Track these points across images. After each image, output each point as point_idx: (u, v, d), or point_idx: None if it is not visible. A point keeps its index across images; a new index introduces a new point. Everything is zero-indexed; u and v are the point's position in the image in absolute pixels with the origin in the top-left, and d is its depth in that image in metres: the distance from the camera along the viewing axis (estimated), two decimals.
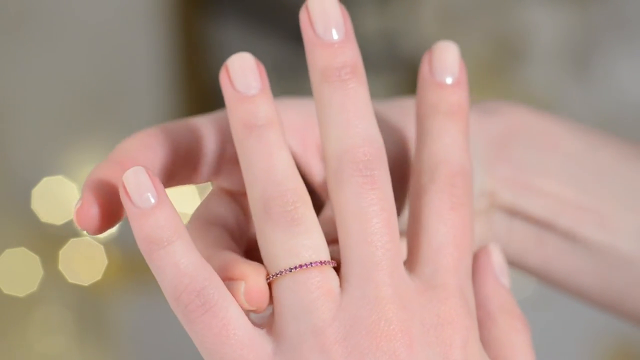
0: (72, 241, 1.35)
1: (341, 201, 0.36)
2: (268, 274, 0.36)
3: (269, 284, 0.36)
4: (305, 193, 0.36)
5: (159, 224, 0.35)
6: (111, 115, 1.40)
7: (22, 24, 1.39)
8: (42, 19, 1.39)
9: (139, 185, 0.36)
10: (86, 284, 1.37)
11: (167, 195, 0.36)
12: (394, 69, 1.41)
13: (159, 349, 1.41)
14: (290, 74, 1.37)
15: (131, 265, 1.38)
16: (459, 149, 0.38)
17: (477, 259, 0.40)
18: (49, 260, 1.35)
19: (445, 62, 0.40)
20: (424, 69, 0.40)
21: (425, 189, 0.37)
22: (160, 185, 0.36)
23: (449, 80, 0.40)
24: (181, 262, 0.35)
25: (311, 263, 0.35)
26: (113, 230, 1.43)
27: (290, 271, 0.35)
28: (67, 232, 1.34)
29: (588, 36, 1.40)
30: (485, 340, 0.38)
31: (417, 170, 0.38)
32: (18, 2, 1.41)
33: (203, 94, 1.41)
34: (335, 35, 0.38)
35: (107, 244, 1.36)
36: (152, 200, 0.35)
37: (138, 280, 1.39)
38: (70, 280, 1.36)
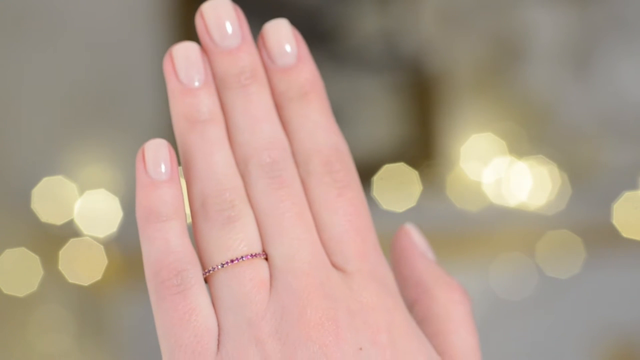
0: (72, 241, 1.35)
1: (254, 201, 0.36)
2: (204, 270, 0.36)
3: (206, 280, 0.36)
4: (242, 189, 0.36)
5: (164, 198, 0.36)
6: (111, 115, 1.40)
7: (23, 24, 1.39)
8: (42, 19, 1.40)
9: (157, 156, 0.36)
10: (86, 284, 1.37)
11: (179, 176, 0.36)
12: (394, 69, 1.41)
13: (158, 348, 1.41)
14: None
15: (131, 265, 1.38)
16: (323, 131, 0.38)
17: (399, 241, 0.40)
18: (49, 260, 1.35)
19: (281, 43, 0.38)
20: (263, 57, 0.39)
21: (307, 183, 0.37)
22: (176, 165, 0.36)
23: (290, 61, 0.38)
24: (172, 240, 0.36)
25: (242, 257, 0.35)
26: (113, 230, 1.42)
27: (223, 266, 0.35)
28: (67, 232, 1.34)
29: (588, 36, 1.40)
30: (427, 316, 0.38)
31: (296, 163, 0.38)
32: (18, 2, 1.41)
33: None
34: (233, 42, 0.38)
35: (107, 244, 1.36)
36: (165, 175, 0.36)
37: (138, 280, 1.39)
38: (70, 280, 1.36)
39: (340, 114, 1.38)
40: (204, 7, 0.38)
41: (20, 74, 1.40)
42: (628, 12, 1.40)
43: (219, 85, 0.38)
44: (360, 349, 0.34)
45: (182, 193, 0.36)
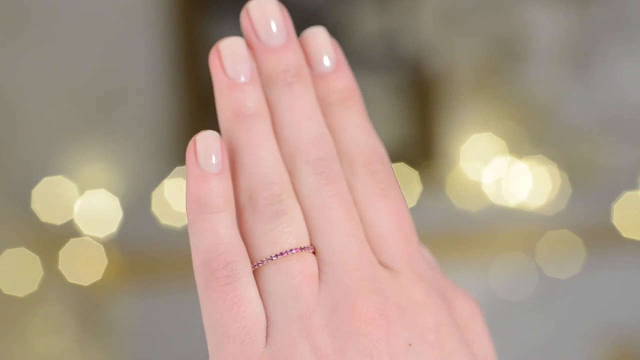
0: (72, 241, 1.35)
1: (302, 196, 0.37)
2: (253, 263, 0.36)
3: (254, 273, 0.36)
4: (289, 184, 0.37)
5: (216, 190, 0.36)
6: (111, 115, 1.40)
7: (23, 24, 1.39)
8: (43, 19, 1.40)
9: (209, 148, 0.36)
10: (86, 284, 1.37)
11: (229, 170, 0.37)
12: (394, 69, 1.41)
13: (158, 348, 1.41)
14: None
15: (131, 265, 1.38)
16: (365, 134, 0.39)
17: None
18: (49, 260, 1.35)
19: (320, 50, 0.39)
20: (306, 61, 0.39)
21: (351, 184, 0.37)
22: (227, 158, 0.37)
23: (329, 67, 0.39)
24: (223, 231, 0.36)
25: (291, 250, 0.36)
26: (113, 230, 1.42)
27: (272, 259, 0.36)
28: (67, 232, 1.34)
29: (588, 36, 1.40)
30: None
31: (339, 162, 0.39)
32: (19, 2, 1.41)
33: (203, 94, 1.41)
34: (279, 40, 0.38)
35: (107, 244, 1.36)
36: (216, 167, 0.36)
37: (138, 280, 1.39)
38: (70, 280, 1.36)
39: None
40: (250, 5, 0.39)
41: (21, 74, 1.40)
42: (628, 12, 1.40)
43: (264, 82, 0.38)
44: (410, 345, 0.35)
45: (232, 186, 0.37)
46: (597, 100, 1.40)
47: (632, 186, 1.38)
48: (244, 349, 0.35)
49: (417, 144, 1.41)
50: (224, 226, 0.36)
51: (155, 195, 1.34)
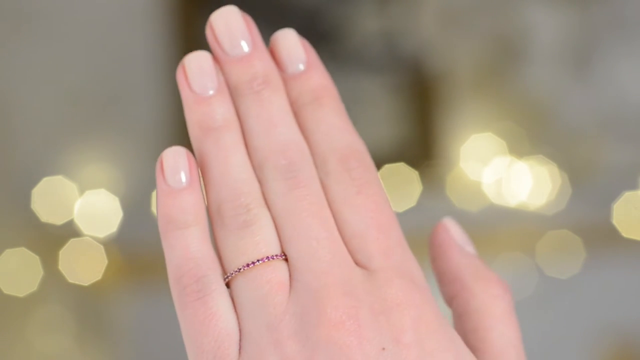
0: (72, 241, 1.35)
1: (271, 203, 0.36)
2: (224, 275, 0.36)
3: (227, 285, 0.36)
4: (258, 193, 0.36)
5: (182, 206, 0.36)
6: (111, 115, 1.40)
7: (23, 24, 1.39)
8: (42, 19, 1.40)
9: (175, 164, 0.36)
10: (86, 284, 1.37)
11: (199, 182, 0.37)
12: (394, 69, 1.41)
13: (158, 348, 1.41)
14: None
15: (131, 265, 1.38)
16: (338, 131, 0.38)
17: (436, 237, 0.40)
18: (49, 260, 1.35)
19: (289, 51, 0.39)
20: (276, 65, 0.39)
21: (326, 184, 0.37)
22: (196, 170, 0.37)
23: (300, 68, 0.39)
24: (192, 246, 0.36)
25: (258, 260, 0.35)
26: (113, 230, 1.42)
27: (240, 270, 0.35)
28: (67, 232, 1.34)
29: (588, 36, 1.40)
30: (466, 312, 0.38)
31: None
32: (19, 2, 1.41)
33: None
34: (243, 49, 0.38)
35: (107, 244, 1.36)
36: (183, 182, 0.36)
37: (138, 280, 1.39)
38: (70, 280, 1.36)
39: None
40: (213, 17, 0.39)
41: (21, 74, 1.40)
42: (628, 12, 1.41)
43: (232, 93, 0.38)
44: (384, 349, 0.34)
45: (202, 199, 0.36)
46: (597, 100, 1.40)
47: (632, 186, 1.38)
48: None
49: (417, 144, 1.41)
50: (194, 241, 0.36)
51: (155, 195, 1.34)
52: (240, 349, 0.35)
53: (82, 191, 1.36)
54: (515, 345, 0.37)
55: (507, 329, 0.37)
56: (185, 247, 0.36)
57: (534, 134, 1.40)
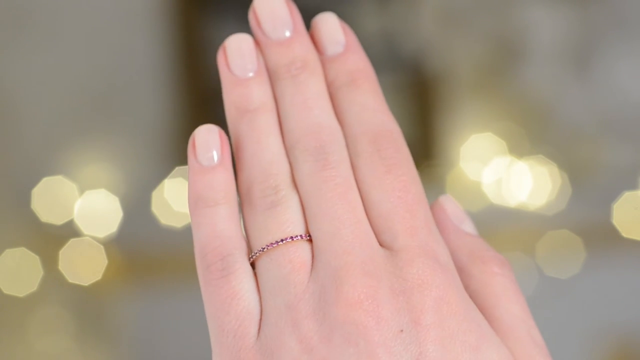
0: (72, 241, 1.35)
1: (299, 184, 0.36)
2: (250, 255, 0.36)
3: (252, 265, 0.36)
4: (288, 175, 0.36)
5: (212, 184, 0.36)
6: (111, 115, 1.40)
7: (23, 24, 1.39)
8: (43, 19, 1.40)
9: (207, 142, 0.37)
10: (86, 284, 1.37)
11: (230, 161, 0.37)
12: (394, 69, 1.41)
13: (158, 348, 1.41)
14: None
15: (131, 265, 1.38)
16: (371, 112, 0.38)
17: (433, 215, 0.39)
18: (49, 260, 1.35)
19: (329, 34, 0.40)
20: (317, 48, 0.40)
21: (355, 165, 0.37)
22: (228, 149, 0.37)
23: (339, 49, 0.39)
24: (219, 224, 0.36)
25: (282, 239, 0.35)
26: (113, 230, 1.42)
27: (263, 250, 0.35)
28: (67, 232, 1.34)
29: (588, 36, 1.40)
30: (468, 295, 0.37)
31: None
32: (19, 2, 1.41)
33: (203, 93, 1.41)
34: (284, 33, 0.39)
35: (107, 244, 1.36)
36: (215, 160, 0.37)
37: (138, 281, 1.39)
38: (70, 280, 1.36)
39: None
40: (257, 1, 0.39)
41: (21, 74, 1.40)
42: (628, 12, 1.40)
43: (271, 77, 0.38)
44: (401, 331, 0.33)
45: (233, 178, 0.37)
46: (597, 100, 1.40)
47: (632, 186, 1.38)
48: (237, 342, 0.34)
49: (417, 144, 1.41)
50: (221, 219, 0.36)
51: (155, 195, 1.34)
52: (259, 329, 0.35)
53: (82, 191, 1.36)
54: (524, 320, 0.37)
55: (511, 304, 0.37)
56: (213, 225, 0.36)
57: (534, 134, 1.40)
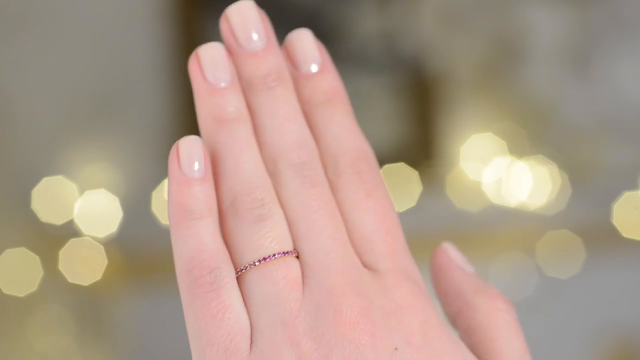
0: (72, 241, 1.35)
1: (285, 200, 0.36)
2: (236, 269, 0.36)
3: (238, 279, 0.36)
4: (272, 188, 0.36)
5: (197, 196, 0.36)
6: (111, 115, 1.40)
7: (23, 24, 1.39)
8: (42, 19, 1.40)
9: (192, 153, 0.36)
10: (86, 284, 1.37)
11: (211, 173, 0.37)
12: (394, 69, 1.41)
13: (158, 348, 1.41)
14: None
15: (131, 266, 1.38)
16: (349, 134, 0.38)
17: (436, 258, 0.40)
18: (49, 260, 1.35)
19: (305, 51, 0.39)
20: (289, 65, 0.39)
21: (336, 185, 0.37)
22: (209, 162, 0.36)
23: (314, 69, 0.39)
24: (206, 237, 0.35)
25: (274, 254, 0.35)
26: (113, 230, 1.42)
27: (255, 264, 0.35)
28: (67, 232, 1.34)
29: (588, 36, 1.40)
30: (470, 326, 0.38)
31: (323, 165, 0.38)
32: (19, 2, 1.41)
33: None
34: (259, 44, 0.38)
35: (107, 244, 1.36)
36: (199, 172, 0.36)
37: (138, 281, 1.39)
38: (70, 280, 1.36)
39: None
40: (229, 10, 0.39)
41: (21, 74, 1.40)
42: (628, 12, 1.40)
43: (245, 87, 0.38)
44: (396, 349, 0.34)
45: (214, 192, 0.36)
46: (597, 100, 1.40)
47: (632, 186, 1.38)
48: (228, 357, 0.34)
49: (417, 144, 1.41)
50: (208, 232, 0.35)
51: (155, 195, 1.34)
52: (251, 344, 0.35)
53: (82, 191, 1.36)
54: (523, 355, 0.38)
55: (513, 339, 0.38)
56: (200, 237, 0.35)
57: (534, 134, 1.40)
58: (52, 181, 1.35)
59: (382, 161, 1.38)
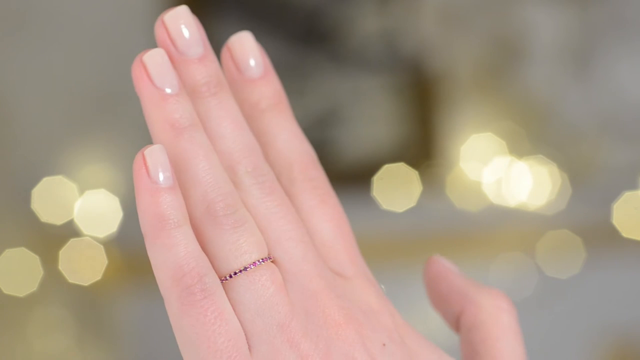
0: (72, 241, 1.35)
1: (249, 206, 0.36)
2: (221, 276, 0.35)
3: (223, 285, 0.35)
4: (237, 194, 0.36)
5: (174, 204, 0.35)
6: (111, 115, 1.40)
7: (23, 24, 1.39)
8: (43, 19, 1.40)
9: (161, 162, 0.35)
10: (86, 284, 1.37)
11: (177, 183, 0.36)
12: (394, 69, 1.41)
13: (158, 348, 1.41)
14: (291, 74, 1.37)
15: (131, 265, 1.38)
16: (297, 139, 0.38)
17: (431, 267, 0.41)
18: (49, 260, 1.35)
19: (247, 54, 0.39)
20: (230, 69, 0.39)
21: (291, 193, 0.38)
22: (174, 169, 0.36)
23: (260, 71, 0.39)
24: (190, 245, 0.35)
25: (261, 260, 0.35)
26: (113, 230, 1.42)
27: (242, 271, 0.35)
28: (67, 232, 1.34)
29: (588, 36, 1.40)
30: (474, 324, 0.39)
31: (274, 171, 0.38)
32: (19, 2, 1.41)
33: None
34: (198, 50, 0.38)
35: (107, 244, 1.36)
36: (168, 181, 0.35)
37: (138, 280, 1.39)
38: (70, 280, 1.36)
39: (340, 114, 1.38)
40: (166, 17, 0.38)
41: (21, 74, 1.40)
42: (628, 12, 1.41)
43: (189, 94, 0.37)
44: (384, 345, 0.35)
45: (183, 199, 0.36)
46: (597, 100, 1.40)
47: (632, 186, 1.38)
48: None
49: (417, 144, 1.41)
50: (189, 240, 0.35)
51: None
52: (250, 349, 0.35)
53: (82, 191, 1.36)
54: (520, 357, 0.39)
55: (513, 340, 0.39)
56: (185, 245, 0.35)
57: (534, 134, 1.40)
58: (52, 181, 1.35)
59: (382, 161, 1.38)
